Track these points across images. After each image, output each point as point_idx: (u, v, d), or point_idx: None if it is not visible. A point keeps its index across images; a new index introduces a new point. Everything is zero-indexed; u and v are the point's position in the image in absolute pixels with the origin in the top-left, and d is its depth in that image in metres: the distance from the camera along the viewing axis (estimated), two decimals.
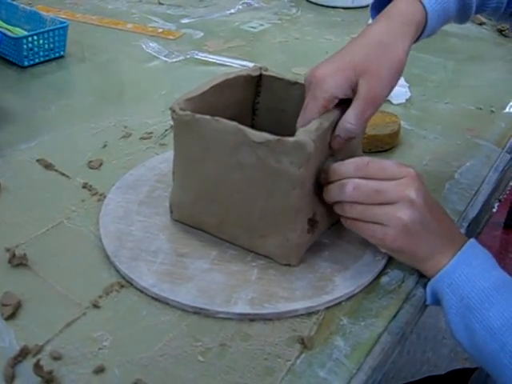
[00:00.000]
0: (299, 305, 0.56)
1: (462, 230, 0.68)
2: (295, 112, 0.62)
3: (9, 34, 1.02)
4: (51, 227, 0.66)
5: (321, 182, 0.59)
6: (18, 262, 0.60)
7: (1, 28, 1.05)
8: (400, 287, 0.60)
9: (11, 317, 0.55)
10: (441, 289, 0.57)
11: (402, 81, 0.97)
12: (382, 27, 0.62)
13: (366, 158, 0.58)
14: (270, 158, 0.56)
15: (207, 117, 0.57)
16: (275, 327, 0.55)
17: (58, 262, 0.61)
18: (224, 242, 0.63)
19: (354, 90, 0.59)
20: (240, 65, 1.06)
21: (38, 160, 0.77)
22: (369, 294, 0.59)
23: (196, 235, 0.64)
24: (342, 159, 0.59)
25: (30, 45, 1.00)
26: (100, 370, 0.50)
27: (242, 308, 0.56)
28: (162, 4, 1.35)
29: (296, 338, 0.54)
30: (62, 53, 1.06)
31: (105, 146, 0.81)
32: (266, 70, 0.67)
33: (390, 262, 0.62)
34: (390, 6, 0.63)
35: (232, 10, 1.34)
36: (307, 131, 0.56)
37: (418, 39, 0.64)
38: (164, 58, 1.09)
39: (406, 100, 0.96)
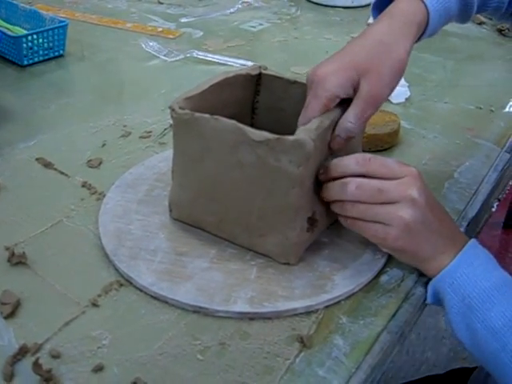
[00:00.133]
0: (298, 304, 0.56)
1: (462, 230, 0.68)
2: (294, 111, 0.62)
3: (8, 32, 1.02)
4: (50, 226, 0.66)
5: (320, 180, 0.59)
6: (17, 260, 0.60)
7: (0, 27, 1.05)
8: (399, 286, 0.60)
9: (10, 315, 0.55)
10: (442, 288, 0.57)
11: (401, 80, 0.97)
12: (384, 27, 0.61)
13: (367, 155, 0.58)
14: (269, 156, 0.55)
15: (206, 116, 0.57)
16: (274, 326, 0.55)
17: (57, 261, 0.61)
18: (223, 240, 0.63)
19: (356, 90, 0.59)
20: (239, 64, 1.06)
21: (37, 159, 0.77)
22: (368, 292, 0.59)
23: (195, 234, 0.64)
24: None
25: (29, 44, 1.00)
26: (99, 369, 0.50)
27: (241, 307, 0.56)
28: (161, 3, 1.35)
29: (295, 337, 0.54)
30: (61, 52, 1.06)
31: (104, 144, 0.80)
32: (266, 68, 0.67)
33: (390, 260, 0.62)
34: (391, 6, 0.63)
35: (232, 10, 1.34)
36: (307, 130, 0.56)
37: (419, 39, 0.64)
38: (163, 57, 1.09)
39: (406, 99, 0.96)
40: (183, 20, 1.26)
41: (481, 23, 1.30)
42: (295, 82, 0.65)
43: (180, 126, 0.60)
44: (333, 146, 0.60)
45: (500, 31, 1.26)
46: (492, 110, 0.95)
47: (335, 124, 0.59)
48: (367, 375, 0.52)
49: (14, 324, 0.54)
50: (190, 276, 0.59)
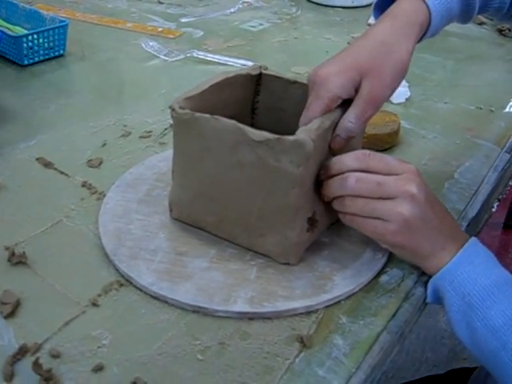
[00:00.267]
0: (298, 304, 0.56)
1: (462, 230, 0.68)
2: (294, 111, 0.62)
3: (9, 32, 1.02)
4: (50, 226, 0.66)
5: (320, 179, 0.59)
6: (18, 260, 0.60)
7: (1, 27, 1.05)
8: (399, 286, 0.60)
9: (10, 315, 0.55)
10: (442, 286, 0.57)
11: None
12: (386, 27, 0.61)
13: (366, 151, 0.58)
14: (269, 156, 0.55)
15: (207, 115, 0.57)
16: (274, 326, 0.55)
17: (57, 261, 0.61)
18: (223, 240, 0.63)
19: (357, 90, 0.59)
20: (240, 64, 1.06)
21: (37, 159, 0.77)
22: (368, 292, 0.59)
23: (195, 234, 0.64)
24: None
25: (29, 43, 1.00)
26: (99, 369, 0.50)
27: (241, 307, 0.56)
28: (161, 3, 1.35)
29: (295, 337, 0.54)
30: (61, 51, 1.06)
31: (104, 144, 0.80)
32: (266, 68, 0.67)
33: (390, 260, 0.62)
34: (393, 6, 0.63)
35: (232, 9, 1.34)
36: (307, 130, 0.56)
37: (421, 39, 0.64)
38: (164, 57, 1.09)
39: (406, 99, 0.96)
40: (183, 20, 1.26)
41: (481, 23, 1.30)
42: (295, 82, 0.65)
43: (180, 126, 0.60)
44: (333, 146, 0.60)
45: (500, 31, 1.26)
46: (492, 110, 0.95)
47: (336, 124, 0.59)
48: (367, 375, 0.52)
49: (14, 324, 0.54)
50: (190, 276, 0.59)
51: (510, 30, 1.26)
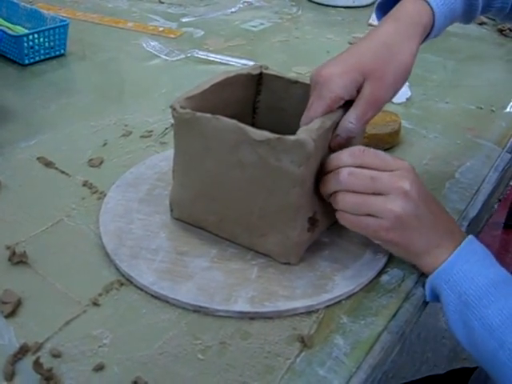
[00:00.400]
0: (299, 303, 0.56)
1: (463, 230, 0.68)
2: (295, 111, 0.62)
3: (9, 32, 1.02)
4: (51, 225, 0.66)
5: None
6: (18, 259, 0.60)
7: (1, 26, 1.05)
8: (400, 286, 0.60)
9: (11, 314, 0.55)
10: (439, 285, 0.56)
11: None
12: (390, 29, 0.61)
13: (361, 147, 0.58)
14: (270, 156, 0.55)
15: (208, 115, 0.57)
16: (275, 326, 0.55)
17: (58, 260, 0.61)
18: (224, 240, 0.63)
19: (359, 91, 0.59)
20: (240, 64, 1.06)
21: (38, 158, 0.77)
22: (369, 292, 0.59)
23: (196, 233, 0.64)
24: None
25: (30, 43, 1.00)
26: (100, 368, 0.50)
27: (241, 306, 0.56)
28: (162, 3, 1.35)
29: (296, 337, 0.54)
30: (62, 51, 1.06)
31: (105, 144, 0.81)
32: (267, 68, 0.67)
33: (390, 260, 0.62)
34: (396, 8, 0.63)
35: (233, 9, 1.34)
36: (308, 130, 0.56)
37: (424, 40, 0.64)
38: (164, 57, 1.09)
39: (407, 99, 0.96)
40: (184, 19, 1.26)
41: (482, 23, 1.30)
42: (296, 82, 0.65)
43: (181, 126, 0.60)
44: (332, 146, 0.60)
45: (501, 31, 1.26)
46: (493, 110, 0.95)
47: (337, 124, 0.59)
48: (368, 375, 0.52)
49: (15, 323, 0.54)
50: (191, 275, 0.59)
51: (510, 30, 1.26)
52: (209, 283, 0.58)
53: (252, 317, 0.56)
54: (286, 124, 0.63)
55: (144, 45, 1.13)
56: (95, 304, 0.56)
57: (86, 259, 0.61)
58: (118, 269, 0.60)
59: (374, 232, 0.57)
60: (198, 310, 0.56)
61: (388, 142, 0.82)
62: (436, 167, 0.80)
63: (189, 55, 1.10)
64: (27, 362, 0.50)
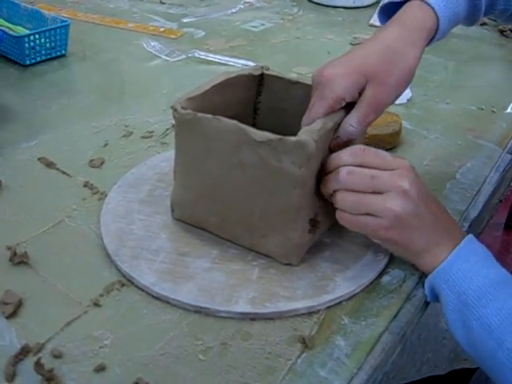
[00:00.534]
0: (300, 304, 0.56)
1: (463, 230, 0.68)
2: (296, 112, 0.62)
3: (10, 32, 1.02)
4: (52, 226, 0.66)
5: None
6: (19, 260, 0.60)
7: (2, 27, 1.05)
8: (401, 287, 0.60)
9: (12, 315, 0.55)
10: (438, 285, 0.56)
11: None
12: (394, 33, 0.61)
13: (361, 146, 0.58)
14: (271, 157, 0.55)
15: (209, 116, 0.57)
16: (276, 326, 0.55)
17: (59, 261, 0.61)
18: (225, 241, 0.63)
19: (361, 94, 0.59)
20: (241, 64, 1.06)
21: (39, 159, 0.77)
22: (370, 293, 0.59)
23: (197, 234, 0.64)
24: None
25: (31, 43, 1.00)
26: (101, 369, 0.50)
27: (242, 307, 0.56)
28: (163, 3, 1.35)
29: (297, 338, 0.54)
30: (63, 52, 1.06)
31: (106, 144, 0.81)
32: (268, 69, 0.67)
33: (391, 261, 0.62)
34: (400, 12, 0.63)
35: (233, 10, 1.34)
36: (310, 131, 0.56)
37: (428, 44, 0.64)
38: (165, 57, 1.09)
39: (408, 100, 0.96)
40: (185, 20, 1.26)
41: (482, 24, 1.30)
42: (297, 83, 0.65)
43: (182, 126, 0.60)
44: (332, 147, 0.60)
45: (502, 32, 1.26)
46: (494, 111, 0.95)
47: (338, 126, 0.59)
48: (369, 376, 0.52)
49: (16, 324, 0.54)
50: (192, 276, 0.59)
51: (511, 31, 1.26)
52: (210, 284, 0.58)
53: (253, 317, 0.56)
54: (287, 125, 0.63)
55: (145, 45, 1.13)
56: (96, 305, 0.56)
57: (86, 260, 0.61)
58: (118, 269, 0.60)
59: (374, 231, 0.57)
60: (199, 311, 0.56)
61: (389, 143, 0.82)
62: (437, 168, 0.80)
63: (189, 56, 1.10)
64: (28, 363, 0.50)
